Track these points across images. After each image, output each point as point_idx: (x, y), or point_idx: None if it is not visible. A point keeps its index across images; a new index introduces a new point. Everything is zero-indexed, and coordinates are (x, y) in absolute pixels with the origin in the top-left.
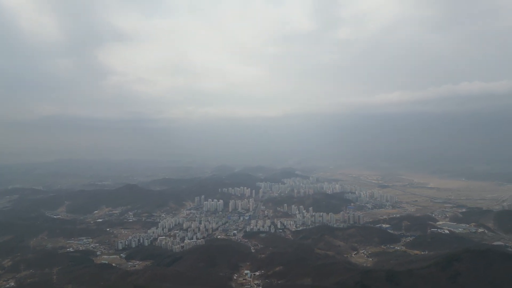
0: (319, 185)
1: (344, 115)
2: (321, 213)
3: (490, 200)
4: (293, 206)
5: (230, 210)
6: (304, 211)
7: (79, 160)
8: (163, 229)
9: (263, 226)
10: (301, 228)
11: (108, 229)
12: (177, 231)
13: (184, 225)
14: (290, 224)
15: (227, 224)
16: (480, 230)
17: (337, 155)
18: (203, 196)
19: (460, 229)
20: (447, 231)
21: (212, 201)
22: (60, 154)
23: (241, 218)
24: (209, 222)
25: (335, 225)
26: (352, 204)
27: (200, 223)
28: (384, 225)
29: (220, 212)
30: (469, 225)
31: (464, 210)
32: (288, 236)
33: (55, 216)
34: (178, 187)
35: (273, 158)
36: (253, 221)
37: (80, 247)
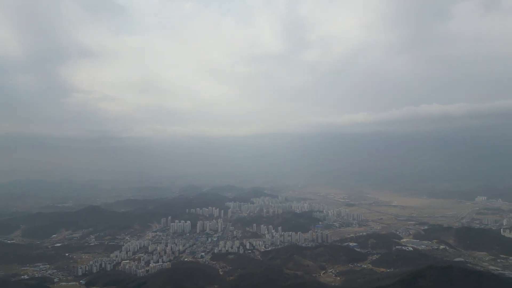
0: (288, 204)
1: (312, 135)
2: (290, 233)
3: (450, 217)
4: (262, 226)
5: (198, 231)
6: (273, 231)
7: (38, 181)
8: (127, 253)
9: (231, 247)
10: (270, 248)
11: (67, 254)
12: (142, 255)
13: (149, 248)
14: (259, 244)
15: (194, 246)
16: (442, 246)
17: (306, 174)
18: (169, 217)
19: (423, 246)
20: (411, 248)
21: (179, 222)
22: (17, 174)
23: (209, 239)
24: (176, 244)
25: (303, 245)
26: (320, 223)
27: (166, 245)
28: (351, 244)
29: (188, 234)
30: (432, 242)
31: (426, 227)
32: (257, 257)
33: (9, 241)
34: (144, 208)
35: (242, 177)
36: (221, 242)
37: (36, 274)
